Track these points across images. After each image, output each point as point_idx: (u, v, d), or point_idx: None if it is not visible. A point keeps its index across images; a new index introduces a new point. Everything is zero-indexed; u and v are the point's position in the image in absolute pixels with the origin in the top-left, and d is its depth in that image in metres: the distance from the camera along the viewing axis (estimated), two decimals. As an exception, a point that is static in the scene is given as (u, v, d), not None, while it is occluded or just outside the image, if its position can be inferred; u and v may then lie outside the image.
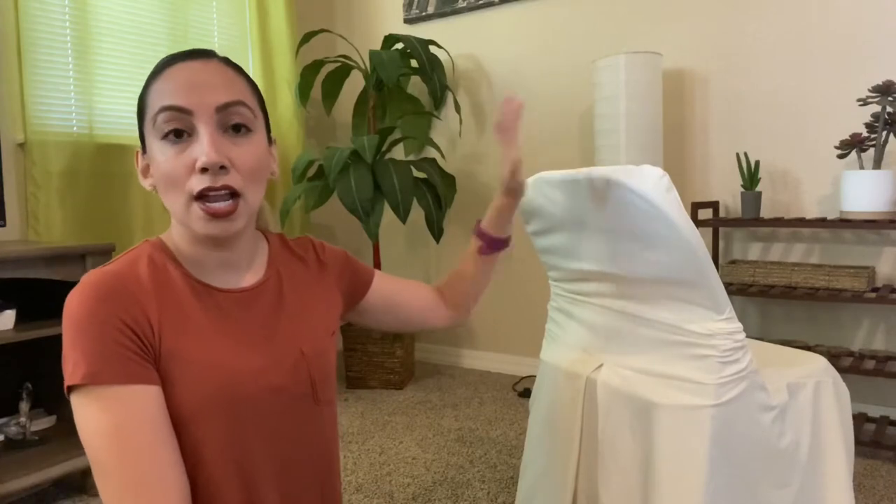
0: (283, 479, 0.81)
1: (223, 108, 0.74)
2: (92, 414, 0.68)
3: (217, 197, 0.73)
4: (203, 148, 0.72)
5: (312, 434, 0.84)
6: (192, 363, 0.74)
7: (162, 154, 0.74)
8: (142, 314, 0.72)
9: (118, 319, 0.70)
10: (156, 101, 0.74)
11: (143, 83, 2.93)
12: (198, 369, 0.74)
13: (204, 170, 0.72)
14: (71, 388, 0.69)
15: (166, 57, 0.77)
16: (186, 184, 0.73)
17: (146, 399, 0.70)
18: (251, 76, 0.90)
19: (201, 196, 0.73)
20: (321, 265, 0.95)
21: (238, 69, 0.80)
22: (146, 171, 0.79)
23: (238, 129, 0.76)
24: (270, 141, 0.84)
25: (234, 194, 0.74)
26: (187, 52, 0.77)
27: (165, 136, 0.73)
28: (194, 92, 0.73)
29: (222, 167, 0.73)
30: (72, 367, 0.69)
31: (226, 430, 0.75)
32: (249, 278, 0.84)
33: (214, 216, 0.73)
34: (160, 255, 0.79)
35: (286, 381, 0.81)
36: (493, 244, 1.08)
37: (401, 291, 1.06)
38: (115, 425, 0.68)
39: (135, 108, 2.55)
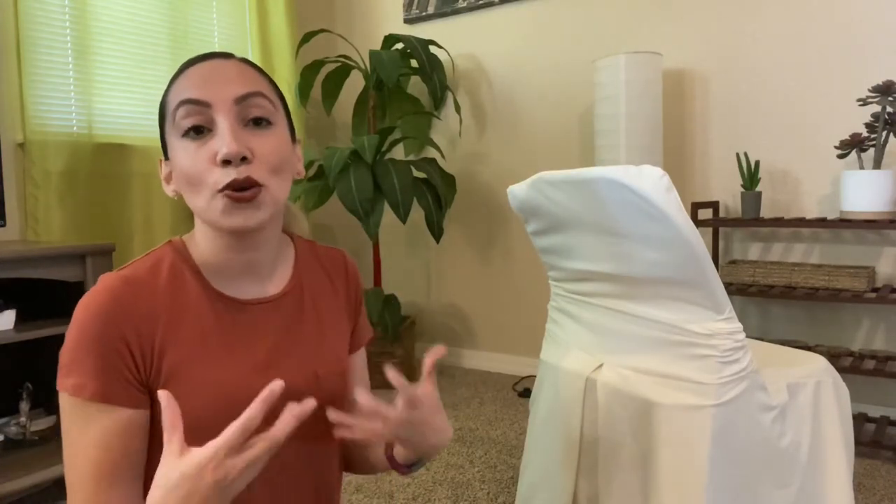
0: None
1: (242, 100, 0.73)
2: (70, 421, 0.70)
3: (240, 189, 0.72)
4: (224, 139, 0.70)
5: (315, 458, 0.83)
6: (193, 385, 0.73)
7: (182, 150, 0.72)
8: (147, 331, 0.72)
9: (121, 339, 0.70)
10: (174, 99, 0.73)
11: (142, 83, 2.90)
12: (197, 393, 0.73)
13: (226, 162, 0.71)
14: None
15: (185, 61, 0.77)
16: (209, 178, 0.71)
17: (124, 422, 0.70)
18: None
19: (224, 190, 0.71)
20: (347, 296, 0.92)
21: (257, 67, 0.79)
22: (169, 178, 0.78)
23: (258, 122, 0.74)
24: (294, 140, 0.83)
25: (256, 184, 0.72)
26: (206, 54, 0.77)
27: (185, 134, 0.72)
28: (211, 85, 0.72)
29: (244, 158, 0.71)
30: (64, 373, 0.70)
31: None
32: (272, 287, 0.82)
33: (237, 202, 0.71)
34: (180, 261, 0.77)
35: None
36: (410, 466, 0.88)
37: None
38: (86, 438, 0.69)
39: (135, 108, 2.55)
